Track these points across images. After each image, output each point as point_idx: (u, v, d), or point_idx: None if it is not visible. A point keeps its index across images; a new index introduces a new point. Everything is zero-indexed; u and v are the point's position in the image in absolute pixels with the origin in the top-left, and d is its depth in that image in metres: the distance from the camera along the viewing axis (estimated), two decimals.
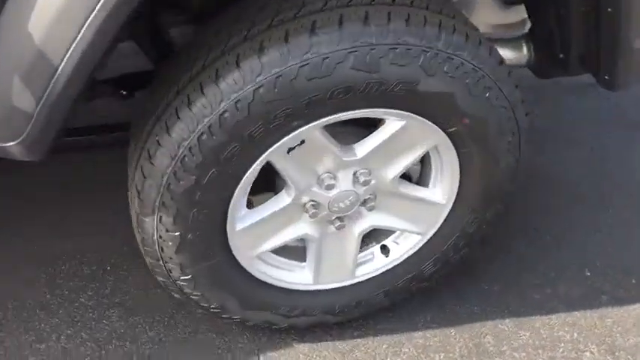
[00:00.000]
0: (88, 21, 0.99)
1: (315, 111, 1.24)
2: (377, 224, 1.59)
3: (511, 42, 1.72)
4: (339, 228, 1.54)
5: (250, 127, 1.21)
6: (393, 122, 1.36)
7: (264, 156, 1.30)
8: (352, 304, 1.70)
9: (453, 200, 1.57)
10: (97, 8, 0.98)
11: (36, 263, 1.89)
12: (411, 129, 1.38)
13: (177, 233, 1.35)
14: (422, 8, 1.26)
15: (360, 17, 1.19)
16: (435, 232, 1.63)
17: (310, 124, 1.28)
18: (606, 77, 1.49)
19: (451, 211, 1.59)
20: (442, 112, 1.35)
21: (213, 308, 1.57)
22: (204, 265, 1.44)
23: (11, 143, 1.12)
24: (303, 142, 1.32)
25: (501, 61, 1.36)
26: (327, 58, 1.17)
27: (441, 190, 1.56)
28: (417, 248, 1.66)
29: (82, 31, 1.00)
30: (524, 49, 1.70)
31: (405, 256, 1.67)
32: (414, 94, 1.28)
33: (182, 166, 1.24)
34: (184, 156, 1.23)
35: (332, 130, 1.37)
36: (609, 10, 1.33)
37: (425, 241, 1.65)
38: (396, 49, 1.21)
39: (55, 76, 1.04)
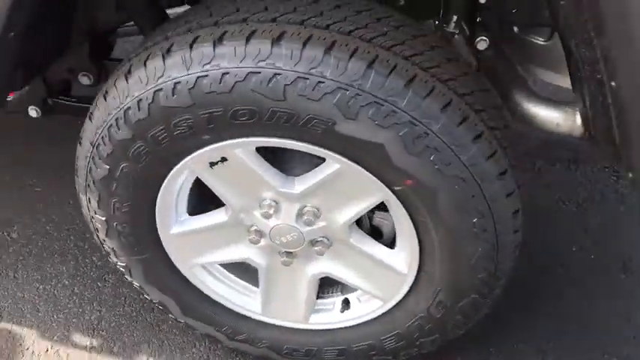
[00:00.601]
0: None
1: (221, 129, 1.13)
2: (329, 272, 1.41)
3: (565, 106, 1.36)
4: (285, 263, 1.40)
5: (152, 130, 1.16)
6: (331, 163, 1.18)
7: (181, 164, 1.23)
8: (302, 351, 1.53)
9: (414, 273, 1.32)
10: None
11: (78, 211, 2.06)
12: (349, 174, 1.18)
13: (103, 218, 1.36)
14: (363, 40, 1.06)
15: (272, 36, 1.05)
16: (397, 304, 1.39)
17: (224, 142, 1.17)
18: (630, 175, 1.09)
19: (414, 285, 1.34)
20: (376, 165, 1.13)
21: (156, 304, 1.55)
22: (136, 259, 1.43)
23: None
24: (225, 159, 1.22)
25: (462, 121, 1.08)
26: (227, 73, 1.06)
27: (404, 257, 1.32)
28: (376, 314, 1.43)
29: None
30: (578, 118, 1.34)
31: (364, 319, 1.46)
32: (334, 135, 1.09)
33: (97, 154, 1.24)
34: (99, 144, 1.23)
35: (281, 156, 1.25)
36: (613, 84, 0.96)
37: (386, 309, 1.41)
38: (307, 79, 1.04)
39: None
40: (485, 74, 1.46)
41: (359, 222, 1.35)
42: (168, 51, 1.11)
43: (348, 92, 1.04)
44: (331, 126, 1.07)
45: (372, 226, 1.38)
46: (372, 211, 1.35)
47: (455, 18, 1.35)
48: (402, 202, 1.19)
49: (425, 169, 1.10)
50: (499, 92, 1.46)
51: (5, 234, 1.99)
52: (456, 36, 1.36)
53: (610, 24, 0.88)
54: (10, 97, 1.63)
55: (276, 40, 1.04)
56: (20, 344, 1.70)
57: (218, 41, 1.07)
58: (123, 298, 1.81)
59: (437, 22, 1.38)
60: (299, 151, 1.20)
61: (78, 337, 1.72)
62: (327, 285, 1.51)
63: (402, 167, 1.11)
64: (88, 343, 1.70)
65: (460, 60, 1.20)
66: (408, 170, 1.11)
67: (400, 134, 1.07)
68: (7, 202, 2.07)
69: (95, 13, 1.48)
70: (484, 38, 1.35)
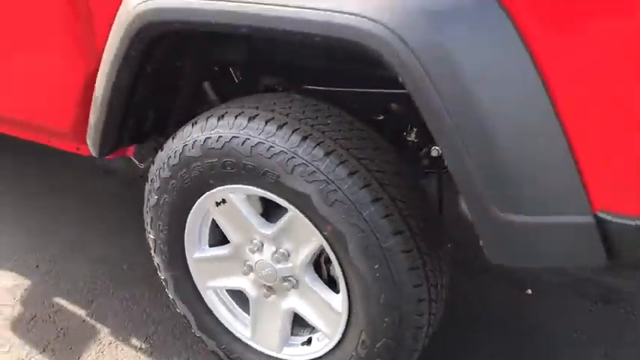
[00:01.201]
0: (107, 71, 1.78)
1: (218, 175, 1.69)
2: (296, 308, 1.82)
3: None
4: (265, 296, 1.85)
5: (180, 171, 1.75)
6: (288, 212, 1.66)
7: (199, 201, 1.80)
8: None
9: (346, 314, 1.68)
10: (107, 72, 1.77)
11: None
12: (297, 220, 1.64)
13: (153, 237, 1.95)
14: (307, 124, 1.58)
15: (249, 115, 1.62)
16: (338, 342, 1.74)
17: (222, 187, 1.72)
18: (481, 242, 1.39)
19: (347, 324, 1.69)
20: (308, 212, 1.58)
21: (182, 317, 2.07)
22: (170, 274, 1.99)
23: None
24: (224, 201, 1.77)
25: (364, 186, 1.51)
26: (221, 136, 1.64)
27: (342, 299, 1.69)
28: (325, 351, 1.79)
29: (106, 78, 1.80)
30: None
31: (318, 354, 1.81)
32: (281, 186, 1.59)
33: (152, 188, 1.87)
34: (153, 180, 1.86)
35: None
36: (445, 168, 1.33)
37: (331, 346, 1.77)
38: (264, 144, 1.57)
39: (98, 102, 1.86)
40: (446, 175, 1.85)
41: (319, 269, 1.78)
42: (195, 122, 1.73)
43: (287, 154, 1.55)
44: (278, 177, 1.58)
45: (330, 275, 1.79)
46: (329, 262, 1.77)
47: (415, 130, 1.81)
48: (330, 247, 1.61)
49: (337, 218, 1.53)
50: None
51: (120, 265, 2.69)
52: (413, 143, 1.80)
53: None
54: (142, 166, 2.38)
55: (251, 118, 1.61)
56: (96, 334, 2.31)
57: (220, 117, 1.67)
58: (175, 322, 2.34)
59: (404, 133, 1.84)
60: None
61: (134, 340, 2.28)
62: (301, 326, 1.90)
63: (324, 215, 1.55)
64: (138, 345, 2.25)
65: (385, 149, 1.63)
66: (327, 218, 1.55)
67: (320, 188, 1.53)
68: (129, 244, 2.80)
69: (194, 101, 2.18)
70: (436, 148, 1.77)
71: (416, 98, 1.31)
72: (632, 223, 1.27)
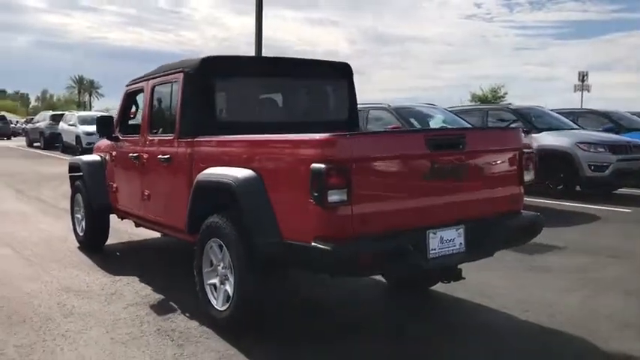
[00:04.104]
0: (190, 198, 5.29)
1: (212, 232, 5.02)
2: (227, 288, 4.93)
3: None
4: (221, 284, 4.99)
5: (205, 230, 5.12)
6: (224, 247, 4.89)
7: (207, 244, 5.10)
8: None
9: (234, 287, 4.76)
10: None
11: None
12: (226, 251, 4.85)
13: (196, 262, 5.27)
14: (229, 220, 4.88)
15: (220, 216, 4.96)
16: (232, 298, 4.80)
17: (212, 238, 5.02)
18: None
19: (234, 290, 4.76)
20: (229, 248, 4.80)
21: (199, 292, 5.25)
22: (199, 278, 5.24)
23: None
24: (211, 246, 5.05)
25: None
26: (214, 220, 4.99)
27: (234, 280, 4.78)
28: (229, 305, 4.85)
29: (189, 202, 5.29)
30: None
31: (227, 306, 4.86)
32: (223, 237, 4.85)
33: (196, 242, 5.24)
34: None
35: None
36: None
37: (230, 303, 4.83)
38: (223, 225, 4.89)
39: (188, 210, 5.36)
40: None
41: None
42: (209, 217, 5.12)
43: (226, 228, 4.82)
44: (224, 234, 4.85)
45: None
46: None
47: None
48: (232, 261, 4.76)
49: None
50: None
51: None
52: None
53: None
54: None
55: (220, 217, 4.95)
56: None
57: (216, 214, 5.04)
58: None
59: None
60: None
61: None
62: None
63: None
64: None
65: None
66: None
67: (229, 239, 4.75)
68: None
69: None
70: None
71: (239, 198, 4.57)
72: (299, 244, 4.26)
